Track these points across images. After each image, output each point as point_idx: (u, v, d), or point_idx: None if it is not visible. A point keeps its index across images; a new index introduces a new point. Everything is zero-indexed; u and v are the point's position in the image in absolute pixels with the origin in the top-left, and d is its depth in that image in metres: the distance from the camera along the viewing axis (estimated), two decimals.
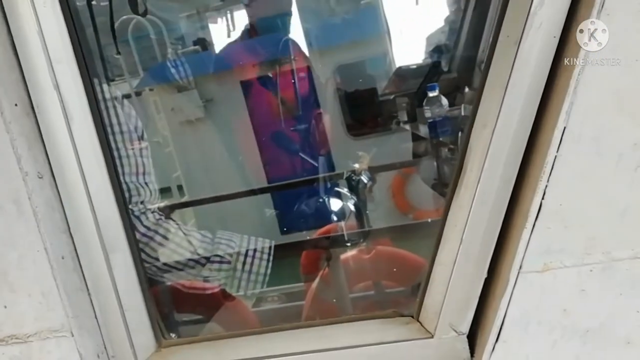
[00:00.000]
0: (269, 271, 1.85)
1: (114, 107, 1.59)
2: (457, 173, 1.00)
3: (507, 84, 0.90)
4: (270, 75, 3.16)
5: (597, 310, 0.94)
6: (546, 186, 0.88)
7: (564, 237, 0.91)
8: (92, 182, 1.01)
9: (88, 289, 1.06)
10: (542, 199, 0.89)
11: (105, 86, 1.60)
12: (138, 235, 1.55)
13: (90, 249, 1.04)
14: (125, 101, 1.68)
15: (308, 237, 2.38)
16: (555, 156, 0.87)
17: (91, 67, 1.00)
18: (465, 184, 0.98)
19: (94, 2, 1.84)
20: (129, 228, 1.05)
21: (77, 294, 1.05)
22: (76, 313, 1.05)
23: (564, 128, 0.86)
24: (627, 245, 0.90)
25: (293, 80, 3.14)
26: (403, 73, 3.44)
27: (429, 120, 2.30)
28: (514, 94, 0.90)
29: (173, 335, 1.19)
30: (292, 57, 3.17)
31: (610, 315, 0.94)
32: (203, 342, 1.15)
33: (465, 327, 1.03)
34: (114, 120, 1.58)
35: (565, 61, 0.86)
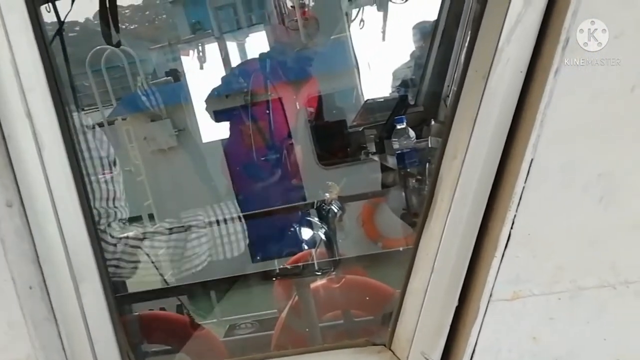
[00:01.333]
0: (245, 228, 1.87)
1: (84, 134, 1.59)
2: (427, 203, 1.02)
3: (476, 117, 0.92)
4: (243, 105, 3.19)
5: (565, 337, 0.96)
6: (515, 216, 0.91)
7: (533, 266, 0.93)
8: (62, 210, 1.00)
9: (56, 320, 1.04)
10: (511, 228, 0.91)
11: (77, 114, 1.61)
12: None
13: (59, 278, 1.02)
14: (97, 129, 1.67)
15: (280, 266, 2.37)
16: (524, 187, 0.90)
17: (63, 95, 1.00)
18: (436, 214, 1.00)
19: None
20: (100, 257, 1.03)
21: (45, 325, 1.03)
22: (43, 344, 1.02)
23: (531, 160, 0.89)
24: (594, 274, 0.92)
25: (265, 111, 3.17)
26: (371, 106, 3.50)
27: (397, 152, 2.34)
28: (483, 127, 0.92)
29: None
30: (264, 89, 3.21)
31: (578, 343, 0.96)
32: None
33: (437, 355, 1.04)
34: (84, 147, 1.58)
35: (532, 95, 0.89)
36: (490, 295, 0.94)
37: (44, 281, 1.02)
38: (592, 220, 0.90)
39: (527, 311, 0.95)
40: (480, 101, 0.92)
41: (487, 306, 0.95)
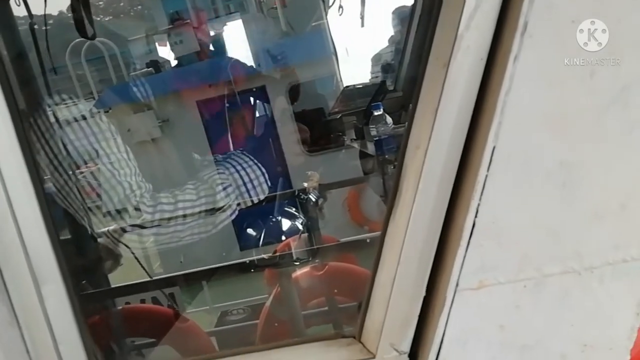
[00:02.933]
0: (264, 170, 1.90)
1: (61, 129, 1.61)
2: (393, 193, 1.01)
3: (438, 106, 0.91)
4: (225, 95, 3.18)
5: (533, 325, 0.96)
6: (479, 205, 0.90)
7: (498, 254, 0.93)
8: (20, 213, 0.98)
9: (19, 323, 1.02)
10: (476, 217, 0.90)
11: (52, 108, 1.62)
12: None
13: (20, 281, 1.00)
14: (77, 124, 1.67)
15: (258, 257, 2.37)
16: (486, 175, 0.89)
17: (17, 94, 0.97)
18: (401, 205, 0.99)
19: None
20: (62, 258, 1.01)
21: (7, 329, 1.01)
22: (7, 348, 1.01)
23: (494, 147, 0.88)
24: (558, 261, 0.92)
25: (247, 100, 3.16)
26: (350, 92, 3.49)
27: (375, 138, 2.34)
28: (445, 115, 0.91)
29: None
30: (244, 78, 3.19)
31: (545, 330, 0.96)
32: None
33: (406, 347, 1.03)
34: (61, 143, 1.60)
35: (492, 83, 0.88)
36: (457, 285, 0.94)
37: (5, 285, 1.00)
38: (555, 208, 0.90)
39: (494, 300, 0.95)
40: (442, 90, 0.91)
41: (453, 296, 0.94)
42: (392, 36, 4.08)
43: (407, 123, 0.99)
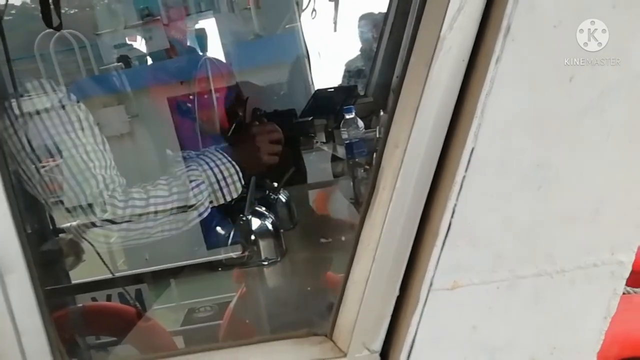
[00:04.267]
0: (238, 169, 1.87)
1: (25, 123, 1.56)
2: (369, 193, 1.01)
3: (419, 106, 0.91)
4: (195, 93, 3.14)
5: (504, 326, 0.97)
6: (455, 205, 0.90)
7: (473, 255, 0.93)
8: None
9: None
10: (452, 217, 0.91)
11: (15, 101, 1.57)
12: None
13: None
14: (38, 117, 1.62)
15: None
16: (464, 176, 0.89)
17: None
18: (378, 203, 0.98)
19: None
20: (27, 247, 0.98)
21: None
22: None
23: (472, 149, 0.88)
24: (531, 263, 0.93)
25: (219, 98, 3.13)
26: (321, 95, 3.48)
27: (346, 142, 2.34)
28: (425, 115, 0.92)
29: None
30: (219, 76, 3.16)
31: (515, 332, 0.97)
32: None
33: (378, 346, 1.03)
34: (23, 137, 1.55)
35: (473, 84, 0.89)
36: (431, 285, 0.94)
37: None
38: (530, 210, 0.91)
39: (467, 300, 0.95)
40: (423, 90, 0.91)
41: (427, 296, 0.95)
42: (364, 42, 4.10)
43: (386, 122, 0.99)
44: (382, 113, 2.63)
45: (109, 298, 2.77)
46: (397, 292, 1.00)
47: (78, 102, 1.70)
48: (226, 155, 1.87)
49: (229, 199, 1.85)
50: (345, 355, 1.05)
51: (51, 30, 1.92)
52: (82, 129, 1.65)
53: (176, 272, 2.42)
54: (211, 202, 1.80)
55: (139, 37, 4.19)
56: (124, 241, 1.73)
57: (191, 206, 1.73)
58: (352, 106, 2.47)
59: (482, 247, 0.93)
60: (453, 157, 0.91)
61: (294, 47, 3.83)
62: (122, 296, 2.69)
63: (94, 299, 2.71)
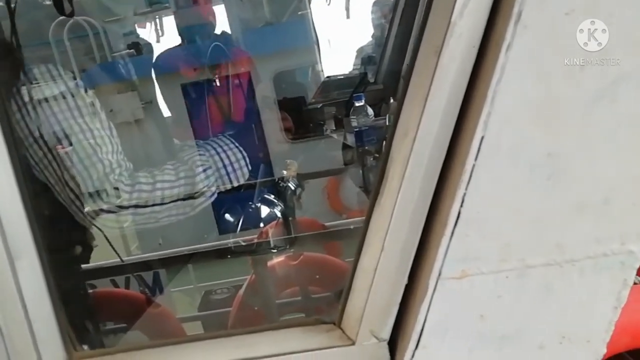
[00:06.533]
0: (245, 154, 1.88)
1: (33, 108, 1.57)
2: (379, 180, 1.00)
3: (428, 93, 0.91)
4: (209, 79, 3.16)
5: (513, 316, 0.97)
6: (464, 194, 0.90)
7: (481, 244, 0.93)
8: None
9: None
10: (461, 206, 0.90)
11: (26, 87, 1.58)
12: None
13: None
14: (46, 102, 1.63)
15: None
16: (474, 165, 0.89)
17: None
18: (387, 192, 0.98)
19: None
20: (38, 233, 0.99)
21: None
22: None
23: (482, 137, 0.87)
24: (541, 252, 0.92)
25: (231, 85, 3.14)
26: (331, 83, 3.48)
27: (355, 129, 2.34)
28: (435, 103, 0.91)
29: (85, 346, 1.13)
30: (231, 63, 3.17)
31: (524, 321, 0.97)
32: (117, 353, 1.10)
33: (386, 334, 1.03)
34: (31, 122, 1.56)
35: (484, 72, 0.88)
36: (440, 274, 0.94)
37: None
38: (539, 200, 0.90)
39: (476, 289, 0.95)
40: (432, 77, 0.90)
41: (436, 284, 0.94)
42: (374, 30, 4.08)
43: (396, 110, 0.98)
44: (391, 101, 2.62)
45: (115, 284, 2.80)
46: (405, 281, 0.99)
47: (85, 88, 1.70)
48: (234, 140, 1.87)
49: (236, 184, 1.85)
50: (353, 343, 1.05)
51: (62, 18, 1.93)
52: (89, 115, 1.64)
53: (187, 259, 2.43)
54: (218, 187, 1.80)
55: (148, 24, 4.20)
56: (132, 225, 1.74)
57: (198, 190, 1.73)
58: (362, 94, 2.46)
59: (491, 236, 0.92)
60: (463, 145, 0.91)
61: (304, 34, 3.82)
62: (140, 278, 2.72)
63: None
